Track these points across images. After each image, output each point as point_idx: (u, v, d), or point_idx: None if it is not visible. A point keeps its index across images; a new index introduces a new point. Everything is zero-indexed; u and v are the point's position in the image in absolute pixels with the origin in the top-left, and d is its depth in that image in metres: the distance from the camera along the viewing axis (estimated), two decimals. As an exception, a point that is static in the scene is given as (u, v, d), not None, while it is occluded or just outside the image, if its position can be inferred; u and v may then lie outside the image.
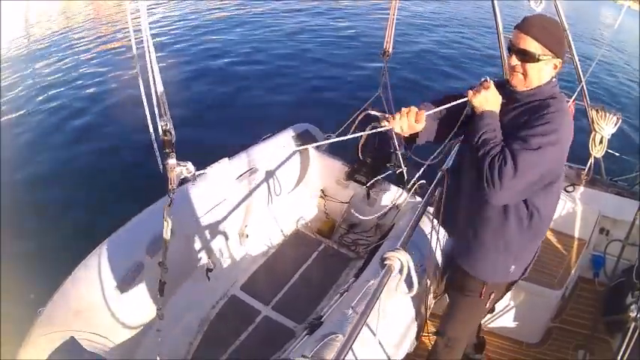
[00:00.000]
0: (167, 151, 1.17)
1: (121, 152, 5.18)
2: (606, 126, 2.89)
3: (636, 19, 10.54)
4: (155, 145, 1.17)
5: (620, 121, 2.91)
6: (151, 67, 1.10)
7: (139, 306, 2.34)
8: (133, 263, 2.35)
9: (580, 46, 3.35)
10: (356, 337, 1.29)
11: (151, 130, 1.17)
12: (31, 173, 4.80)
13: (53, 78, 7.45)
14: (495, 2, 2.80)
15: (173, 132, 1.15)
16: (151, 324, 2.42)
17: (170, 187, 1.23)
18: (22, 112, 6.32)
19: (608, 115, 2.88)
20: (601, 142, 2.95)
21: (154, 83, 1.11)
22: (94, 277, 2.20)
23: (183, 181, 1.26)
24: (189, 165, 1.23)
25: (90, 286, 2.18)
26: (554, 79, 1.50)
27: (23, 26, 10.89)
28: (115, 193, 4.47)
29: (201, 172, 1.29)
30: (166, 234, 1.39)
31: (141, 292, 2.36)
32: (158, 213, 2.60)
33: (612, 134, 2.93)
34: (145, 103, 1.14)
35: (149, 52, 1.08)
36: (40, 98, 6.63)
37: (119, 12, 11.41)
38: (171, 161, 1.18)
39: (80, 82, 7.25)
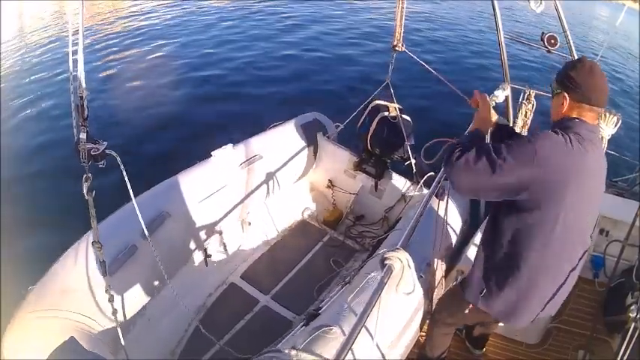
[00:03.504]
0: (81, 125, 1.27)
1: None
2: (606, 127, 2.88)
3: (636, 18, 10.53)
4: (74, 122, 1.28)
5: (620, 121, 2.90)
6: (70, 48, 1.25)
7: (130, 289, 2.29)
8: (125, 246, 2.29)
9: (580, 47, 3.36)
10: (357, 336, 1.29)
11: (72, 107, 1.27)
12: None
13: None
14: (495, 2, 2.80)
15: (86, 107, 1.25)
16: (143, 309, 2.37)
17: (82, 161, 1.30)
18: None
19: (608, 115, 2.87)
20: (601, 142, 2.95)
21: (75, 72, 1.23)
22: (84, 258, 2.15)
23: (95, 159, 1.32)
24: (102, 145, 1.32)
25: (80, 267, 2.13)
26: (568, 120, 1.54)
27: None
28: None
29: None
30: (92, 211, 1.43)
31: (133, 275, 2.30)
32: (155, 197, 2.60)
33: (612, 134, 2.93)
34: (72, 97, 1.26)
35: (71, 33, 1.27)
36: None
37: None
38: (82, 136, 1.27)
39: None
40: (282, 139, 3.32)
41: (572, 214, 1.51)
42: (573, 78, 1.53)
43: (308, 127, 3.47)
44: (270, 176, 3.24)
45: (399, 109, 3.23)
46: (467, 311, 1.84)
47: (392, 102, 3.25)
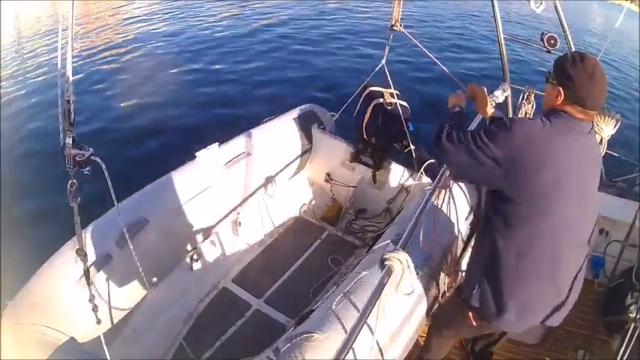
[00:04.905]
0: (67, 130, 1.26)
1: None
2: (606, 127, 2.88)
3: (635, 19, 10.55)
4: (61, 126, 1.27)
5: (620, 122, 2.90)
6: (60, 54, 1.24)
7: (113, 299, 2.23)
8: (107, 254, 2.23)
9: (580, 48, 3.35)
10: (354, 340, 1.26)
11: (59, 111, 1.26)
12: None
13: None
14: (495, 2, 2.79)
15: (73, 112, 1.24)
16: (127, 319, 2.31)
17: (67, 166, 1.29)
18: None
19: (607, 116, 2.87)
20: (600, 143, 2.94)
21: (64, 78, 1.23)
22: (59, 270, 2.09)
23: (80, 165, 1.31)
24: (87, 151, 1.31)
25: (61, 277, 2.08)
26: (557, 112, 1.48)
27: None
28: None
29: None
30: (76, 218, 1.42)
31: (116, 284, 2.25)
32: (138, 202, 2.51)
33: (612, 135, 2.93)
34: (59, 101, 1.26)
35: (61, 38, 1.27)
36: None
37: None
38: (68, 140, 1.26)
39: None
40: (275, 134, 3.20)
41: (559, 208, 1.44)
42: (572, 78, 1.44)
43: (303, 120, 3.35)
44: (261, 173, 3.11)
45: (396, 94, 3.08)
46: (464, 321, 1.74)
47: (387, 87, 3.09)
